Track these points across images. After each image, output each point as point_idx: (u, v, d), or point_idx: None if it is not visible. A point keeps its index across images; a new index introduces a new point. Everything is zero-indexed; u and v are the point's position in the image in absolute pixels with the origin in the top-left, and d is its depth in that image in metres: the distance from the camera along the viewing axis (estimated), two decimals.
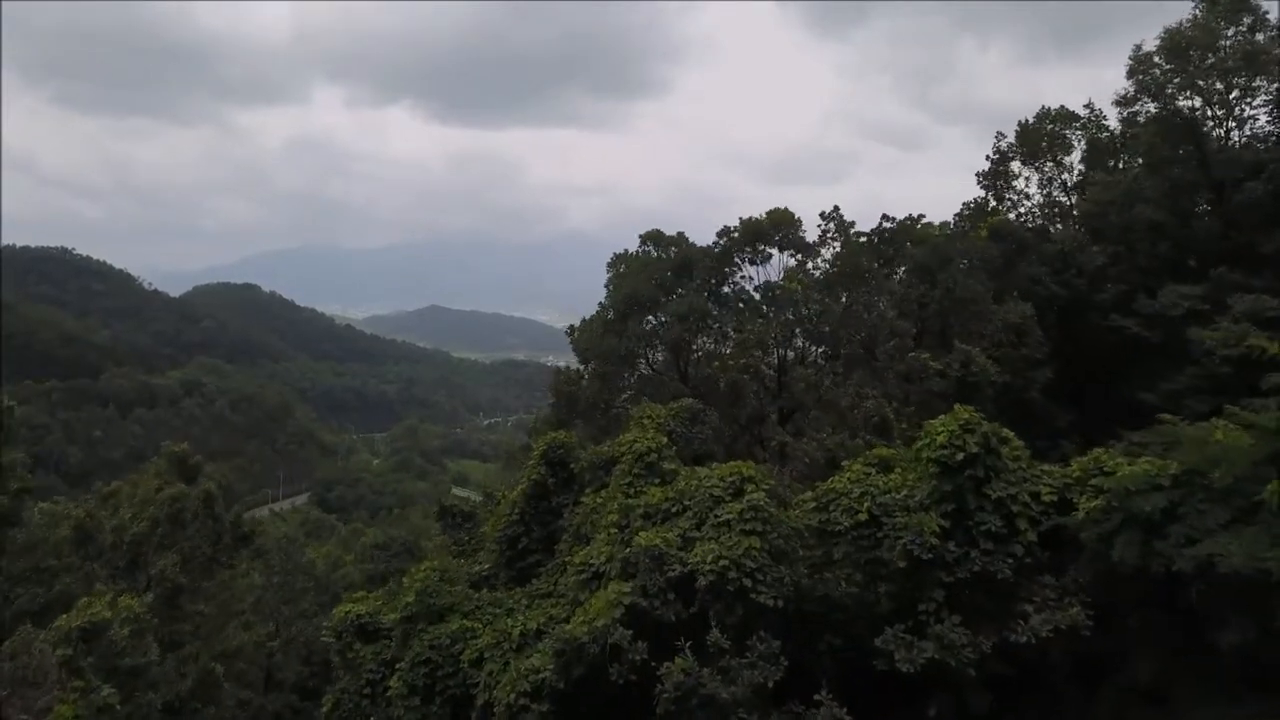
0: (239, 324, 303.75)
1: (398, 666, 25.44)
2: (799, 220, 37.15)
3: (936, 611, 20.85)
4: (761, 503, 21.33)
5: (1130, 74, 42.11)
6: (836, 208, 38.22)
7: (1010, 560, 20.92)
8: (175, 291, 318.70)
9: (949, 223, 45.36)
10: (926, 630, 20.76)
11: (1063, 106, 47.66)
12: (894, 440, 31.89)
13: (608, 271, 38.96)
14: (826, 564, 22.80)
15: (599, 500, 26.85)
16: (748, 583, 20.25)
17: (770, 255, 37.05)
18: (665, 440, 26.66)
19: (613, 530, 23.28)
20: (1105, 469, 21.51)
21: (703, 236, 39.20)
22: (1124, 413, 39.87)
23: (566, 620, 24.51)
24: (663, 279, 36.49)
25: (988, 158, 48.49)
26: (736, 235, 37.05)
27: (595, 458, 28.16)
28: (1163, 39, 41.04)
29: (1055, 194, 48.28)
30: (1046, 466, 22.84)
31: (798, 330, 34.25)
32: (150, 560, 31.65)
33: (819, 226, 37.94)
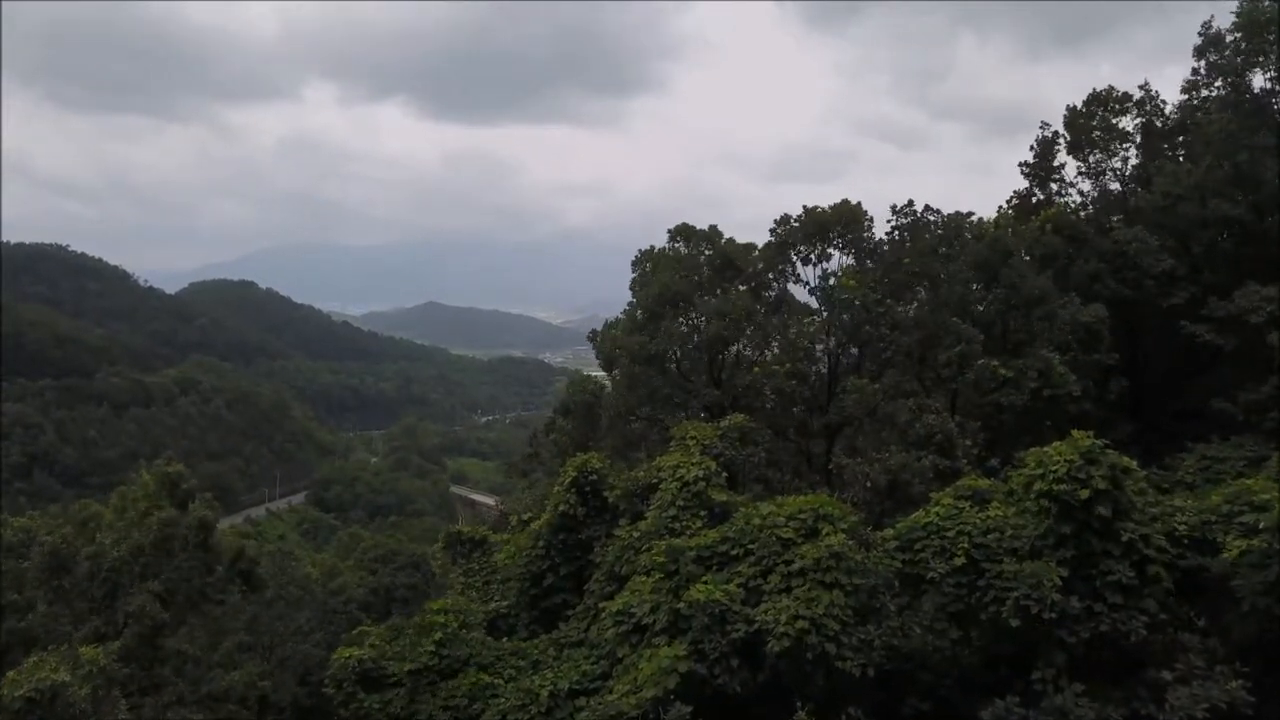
0: (235, 322, 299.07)
1: None
2: (869, 216, 33.40)
3: (1055, 679, 17.41)
4: (843, 548, 17.80)
5: (1200, 53, 38.44)
6: (910, 201, 34.52)
7: (1144, 617, 17.48)
8: (170, 291, 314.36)
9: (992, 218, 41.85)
10: (1042, 701, 17.32)
11: (1111, 88, 43.95)
12: (959, 460, 28.41)
13: (633, 270, 35.34)
14: (910, 613, 19.33)
15: (636, 534, 23.38)
16: (831, 648, 16.75)
17: (830, 255, 33.25)
18: (714, 465, 23.15)
19: (659, 575, 19.79)
20: (1257, 501, 17.96)
21: None
22: (1188, 424, 36.47)
23: (603, 678, 21.09)
24: (700, 276, 32.88)
25: (1031, 147, 44.83)
26: (796, 226, 33.25)
27: (631, 484, 24.64)
28: (1238, 15, 37.40)
29: (1108, 185, 44.64)
30: (1178, 500, 19.35)
31: (853, 335, 30.50)
32: (130, 592, 28.04)
33: (888, 221, 34.22)
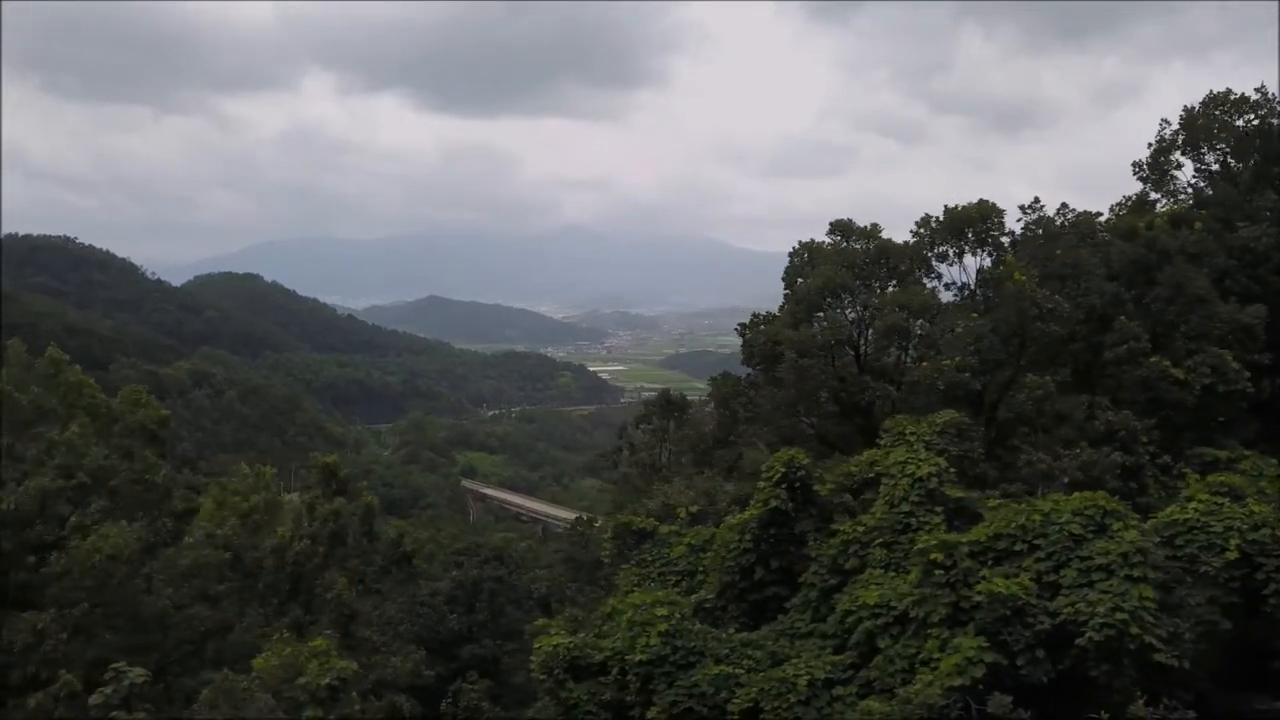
0: (241, 315, 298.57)
1: (649, 715, 22.47)
2: (1002, 213, 34.00)
3: None
4: (1146, 543, 18.26)
5: None
6: (1037, 198, 35.13)
7: None
8: (174, 283, 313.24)
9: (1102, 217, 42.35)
10: None
11: (1229, 89, 44.56)
12: (1141, 456, 28.90)
13: (790, 259, 35.73)
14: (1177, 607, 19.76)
15: (860, 529, 23.77)
16: (1151, 639, 17.23)
17: (971, 252, 33.80)
18: (943, 462, 23.57)
19: (926, 569, 20.15)
20: None
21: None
22: None
23: (854, 669, 21.52)
24: (860, 270, 33.36)
25: (1150, 145, 45.43)
26: (936, 225, 33.78)
27: (845, 479, 25.02)
28: None
29: (1218, 184, 45.17)
30: None
31: (1018, 329, 30.95)
32: (315, 583, 28.30)
33: (1017, 220, 34.89)
